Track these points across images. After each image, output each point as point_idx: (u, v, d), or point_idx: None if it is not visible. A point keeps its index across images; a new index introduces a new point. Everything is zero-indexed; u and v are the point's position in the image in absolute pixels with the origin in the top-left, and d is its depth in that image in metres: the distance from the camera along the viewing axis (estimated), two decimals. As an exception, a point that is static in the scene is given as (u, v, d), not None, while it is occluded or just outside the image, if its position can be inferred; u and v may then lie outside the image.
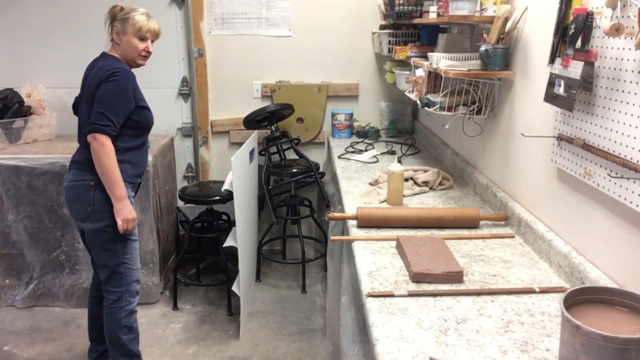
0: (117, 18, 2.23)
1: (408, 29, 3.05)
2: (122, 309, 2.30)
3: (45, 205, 3.01)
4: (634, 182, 1.24)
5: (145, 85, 3.51)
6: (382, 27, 3.23)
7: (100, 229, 2.21)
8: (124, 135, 2.21)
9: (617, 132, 1.31)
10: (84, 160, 2.21)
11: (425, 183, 2.38)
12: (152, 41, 2.29)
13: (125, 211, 2.18)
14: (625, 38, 1.26)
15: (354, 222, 1.97)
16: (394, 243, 1.79)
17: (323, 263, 3.53)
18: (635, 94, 1.24)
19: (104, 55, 2.27)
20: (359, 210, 1.95)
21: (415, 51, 2.69)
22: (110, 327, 2.32)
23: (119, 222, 2.18)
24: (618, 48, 1.30)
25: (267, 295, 3.33)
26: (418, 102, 2.32)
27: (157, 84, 3.51)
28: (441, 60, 2.08)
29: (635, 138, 1.24)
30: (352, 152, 3.12)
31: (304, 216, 3.43)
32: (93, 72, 2.19)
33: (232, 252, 2.84)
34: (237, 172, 2.68)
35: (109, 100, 2.12)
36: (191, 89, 3.56)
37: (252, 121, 3.30)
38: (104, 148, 2.11)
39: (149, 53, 2.28)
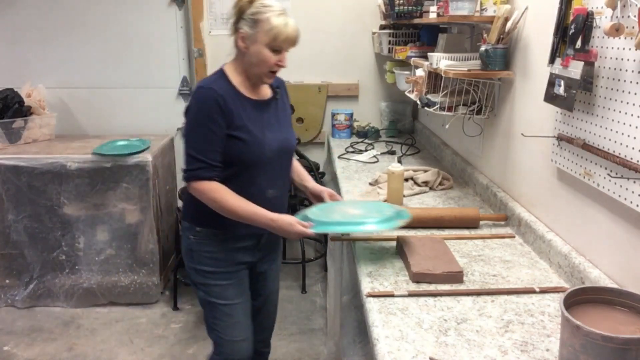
0: (245, 17, 1.64)
1: (408, 29, 3.06)
2: None
3: (45, 205, 3.02)
4: (634, 182, 1.24)
5: (145, 86, 3.59)
6: (382, 27, 3.23)
7: (194, 282, 1.87)
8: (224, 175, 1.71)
9: (617, 132, 1.31)
10: (184, 207, 1.87)
11: (425, 183, 2.38)
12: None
13: (284, 232, 1.67)
14: (625, 38, 1.26)
15: (354, 222, 1.97)
16: (394, 243, 1.79)
17: (323, 263, 3.53)
18: (635, 94, 1.24)
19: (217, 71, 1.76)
20: (359, 210, 1.95)
21: (415, 51, 2.69)
22: None
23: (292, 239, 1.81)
24: (618, 48, 1.30)
25: (267, 295, 3.33)
26: (418, 102, 2.32)
27: (157, 84, 3.53)
28: (441, 60, 2.08)
29: (635, 138, 1.24)
30: (352, 152, 3.12)
31: (304, 216, 3.43)
32: None
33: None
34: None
35: (192, 135, 1.67)
36: (191, 89, 3.56)
37: (252, 121, 3.29)
38: (205, 194, 1.66)
39: (280, 67, 1.69)
